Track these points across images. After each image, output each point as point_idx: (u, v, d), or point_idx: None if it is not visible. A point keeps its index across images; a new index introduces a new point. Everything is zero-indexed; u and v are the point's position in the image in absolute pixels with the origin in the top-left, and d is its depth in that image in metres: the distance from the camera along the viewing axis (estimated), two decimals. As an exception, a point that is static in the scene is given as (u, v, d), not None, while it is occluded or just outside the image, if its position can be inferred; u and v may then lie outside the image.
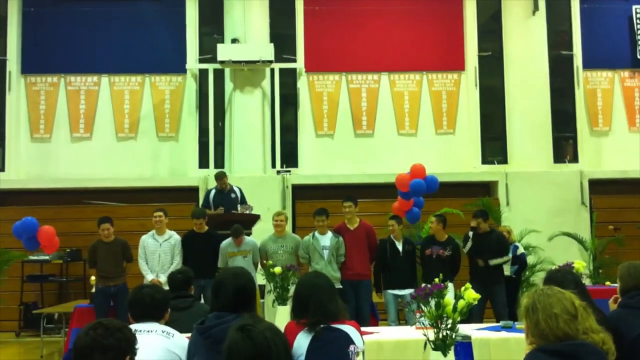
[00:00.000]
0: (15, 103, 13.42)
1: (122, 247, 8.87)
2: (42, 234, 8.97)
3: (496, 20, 13.93)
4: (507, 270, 9.12)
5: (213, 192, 9.93)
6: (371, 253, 8.59)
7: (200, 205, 10.12)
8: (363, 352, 3.42)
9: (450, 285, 7.50)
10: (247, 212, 9.43)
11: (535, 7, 13.37)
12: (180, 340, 3.66)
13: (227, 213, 9.45)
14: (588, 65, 13.87)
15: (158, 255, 8.70)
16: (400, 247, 8.56)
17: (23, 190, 13.10)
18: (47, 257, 11.36)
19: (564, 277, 3.89)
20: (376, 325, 8.01)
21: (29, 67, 13.55)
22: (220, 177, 9.97)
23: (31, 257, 11.39)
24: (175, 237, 8.84)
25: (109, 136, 13.49)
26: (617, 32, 13.85)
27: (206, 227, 8.91)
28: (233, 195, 9.83)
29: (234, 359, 2.30)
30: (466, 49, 13.84)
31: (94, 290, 8.94)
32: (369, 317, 8.41)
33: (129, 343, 2.59)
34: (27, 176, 13.26)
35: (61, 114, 13.50)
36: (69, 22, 13.48)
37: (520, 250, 9.94)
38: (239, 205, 9.63)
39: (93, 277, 9.05)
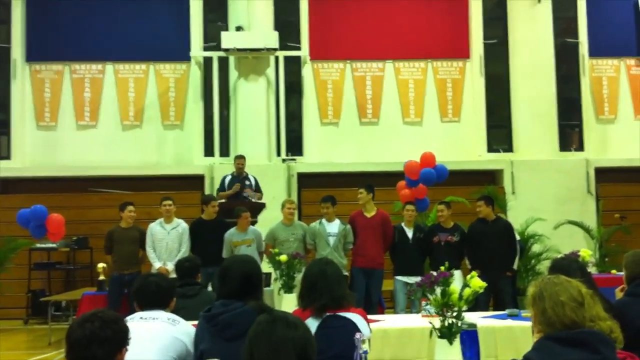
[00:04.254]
0: (20, 91, 13.42)
1: (139, 234, 8.88)
2: (51, 222, 9.00)
3: (501, 7, 13.87)
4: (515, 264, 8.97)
5: (229, 177, 9.96)
6: (386, 242, 8.57)
7: (217, 191, 10.09)
8: (369, 340, 3.43)
9: (458, 272, 7.52)
10: (254, 200, 9.43)
11: (541, -6, 13.32)
12: (186, 327, 3.67)
13: (234, 201, 9.45)
14: (594, 53, 13.82)
15: (165, 243, 8.69)
16: (410, 234, 8.54)
17: (28, 178, 13.13)
18: (54, 245, 11.38)
19: (569, 265, 3.89)
20: (382, 313, 8.04)
21: (33, 55, 13.54)
22: (239, 157, 10.06)
23: (38, 245, 11.43)
24: (182, 225, 8.84)
25: (114, 124, 13.50)
26: (623, 20, 13.77)
27: (215, 215, 8.92)
28: (247, 183, 9.84)
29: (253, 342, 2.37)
30: (471, 36, 13.78)
31: (101, 277, 8.97)
32: (377, 305, 8.43)
33: (124, 335, 2.60)
34: (33, 164, 13.28)
35: (66, 102, 13.51)
36: (74, 10, 13.43)
37: (517, 237, 9.77)
38: (248, 190, 9.61)
39: (100, 265, 9.07)
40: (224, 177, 10.11)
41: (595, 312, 2.59)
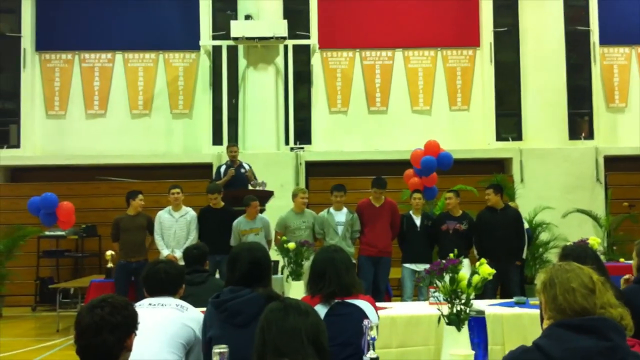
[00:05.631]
0: (30, 80, 13.46)
1: (147, 221, 8.90)
2: (61, 210, 9.05)
3: (512, -5, 13.78)
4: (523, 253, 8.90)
5: (224, 167, 10.02)
6: (394, 230, 8.59)
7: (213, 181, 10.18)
8: (377, 327, 3.43)
9: (466, 260, 7.53)
10: (261, 188, 9.45)
11: (552, -18, 13.21)
12: (194, 314, 3.68)
13: (241, 189, 9.47)
14: (604, 41, 13.71)
15: (174, 230, 8.73)
16: (418, 222, 8.56)
17: (38, 167, 13.20)
18: (62, 233, 11.44)
19: (585, 252, 3.86)
20: (389, 301, 8.04)
21: (43, 44, 13.57)
22: (231, 145, 10.16)
23: (47, 233, 11.51)
24: (191, 213, 8.87)
25: (123, 113, 13.53)
26: (634, 7, 13.63)
27: (222, 203, 8.94)
28: (242, 171, 9.88)
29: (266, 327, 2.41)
30: (481, 24, 13.71)
31: (109, 265, 9.01)
32: (385, 292, 8.47)
33: (134, 320, 2.61)
34: (42, 153, 13.33)
35: (76, 91, 13.55)
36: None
37: (525, 225, 9.73)
38: (249, 183, 9.67)
39: (108, 253, 9.11)
40: (219, 167, 10.19)
41: (606, 299, 2.56)
